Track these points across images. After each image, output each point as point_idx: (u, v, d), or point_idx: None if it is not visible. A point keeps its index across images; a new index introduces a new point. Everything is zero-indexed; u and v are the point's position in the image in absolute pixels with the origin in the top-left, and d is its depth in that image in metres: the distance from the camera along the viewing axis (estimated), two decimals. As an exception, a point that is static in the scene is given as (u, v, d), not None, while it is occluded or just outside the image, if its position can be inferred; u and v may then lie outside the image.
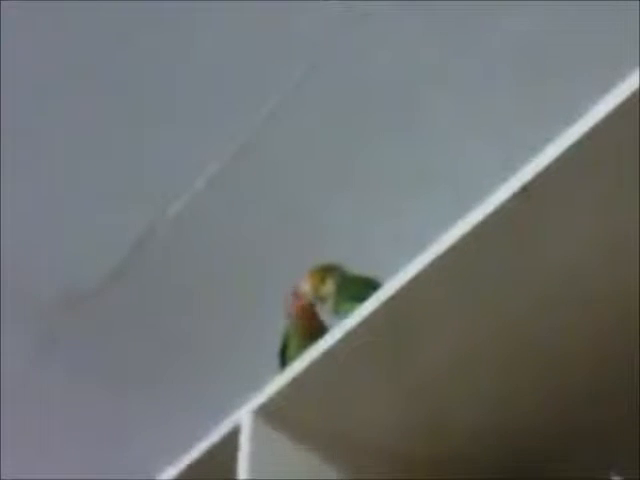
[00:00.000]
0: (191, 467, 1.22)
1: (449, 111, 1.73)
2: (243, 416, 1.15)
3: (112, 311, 2.04)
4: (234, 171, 1.81)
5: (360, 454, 1.18)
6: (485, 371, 1.09)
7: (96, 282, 1.98)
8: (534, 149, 0.88)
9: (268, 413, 1.14)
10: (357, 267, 1.32)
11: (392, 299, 1.02)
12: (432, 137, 1.76)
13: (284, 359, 1.33)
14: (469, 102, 1.72)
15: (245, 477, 1.10)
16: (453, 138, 1.75)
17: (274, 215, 1.88)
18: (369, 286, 1.20)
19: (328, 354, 1.08)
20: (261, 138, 1.76)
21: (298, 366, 1.10)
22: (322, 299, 1.27)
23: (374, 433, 1.17)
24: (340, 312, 1.23)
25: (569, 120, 0.89)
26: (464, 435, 1.17)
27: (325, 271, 1.29)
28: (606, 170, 0.89)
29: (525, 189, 0.91)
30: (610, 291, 1.00)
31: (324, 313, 1.31)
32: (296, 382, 1.11)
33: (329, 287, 1.27)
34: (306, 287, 1.28)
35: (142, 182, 1.83)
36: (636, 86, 0.84)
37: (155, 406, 2.18)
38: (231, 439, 1.17)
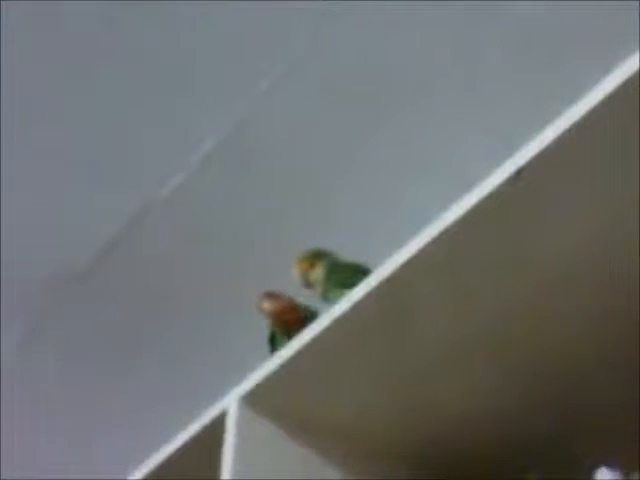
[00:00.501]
0: (176, 452, 1.21)
1: (448, 98, 1.71)
2: (230, 402, 1.15)
3: (101, 293, 2.02)
4: (229, 151, 1.79)
5: (347, 442, 1.18)
6: (477, 358, 1.09)
7: (86, 263, 1.96)
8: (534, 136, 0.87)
9: (255, 400, 1.13)
10: (353, 252, 1.31)
11: (382, 285, 1.01)
12: (431, 123, 1.73)
13: (274, 345, 1.32)
14: (468, 90, 1.71)
15: (230, 463, 1.09)
16: (453, 124, 1.73)
17: (269, 197, 1.86)
18: (359, 272, 1.18)
19: (316, 341, 1.07)
20: (257, 118, 1.74)
21: (286, 353, 1.10)
22: (311, 285, 1.26)
23: (362, 421, 1.16)
24: (329, 298, 1.21)
25: (567, 108, 0.88)
26: (454, 423, 1.17)
27: (314, 257, 1.27)
28: (604, 155, 0.88)
29: (519, 173, 0.89)
30: (607, 278, 0.99)
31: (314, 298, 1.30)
32: (284, 369, 1.10)
33: (318, 273, 1.25)
34: (295, 273, 1.27)
35: (136, 161, 1.81)
36: (635, 68, 0.83)
37: (142, 389, 2.16)
38: (217, 425, 1.16)
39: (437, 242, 0.96)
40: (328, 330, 1.06)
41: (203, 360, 2.07)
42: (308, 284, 1.26)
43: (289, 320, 1.27)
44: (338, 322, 1.05)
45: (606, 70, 1.47)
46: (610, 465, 1.02)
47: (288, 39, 1.65)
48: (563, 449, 1.18)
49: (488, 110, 1.72)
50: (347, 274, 1.21)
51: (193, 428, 1.20)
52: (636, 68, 0.83)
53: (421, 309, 1.03)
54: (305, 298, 1.31)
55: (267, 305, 1.29)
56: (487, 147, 1.70)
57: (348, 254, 1.32)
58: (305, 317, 1.26)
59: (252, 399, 1.13)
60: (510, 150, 0.94)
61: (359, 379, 1.11)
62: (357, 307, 1.03)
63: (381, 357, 1.09)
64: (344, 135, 1.78)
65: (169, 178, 1.84)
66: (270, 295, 1.30)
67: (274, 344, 1.30)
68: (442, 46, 1.65)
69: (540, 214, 0.93)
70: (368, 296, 1.02)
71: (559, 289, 1.01)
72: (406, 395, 1.13)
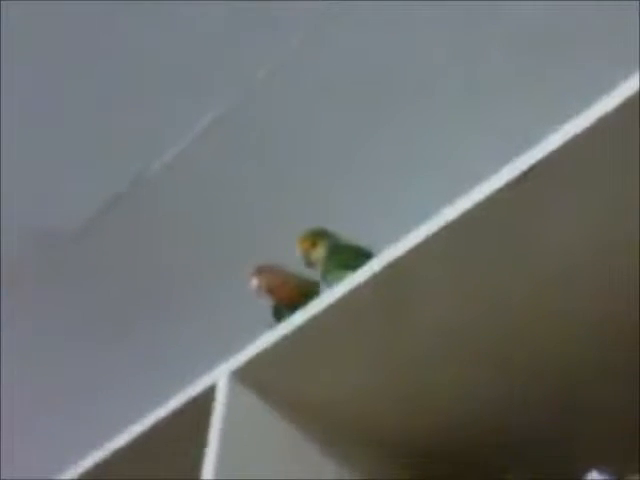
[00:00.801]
0: (162, 421, 1.20)
1: (447, 95, 1.71)
2: (220, 375, 1.13)
3: (92, 257, 2.00)
4: (229, 127, 1.77)
5: (333, 424, 1.17)
6: (473, 350, 1.08)
7: (78, 226, 1.94)
8: (534, 136, 0.86)
9: (245, 375, 1.12)
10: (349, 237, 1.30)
11: (384, 271, 1.00)
12: (431, 121, 1.73)
13: (279, 317, 1.29)
14: (468, 89, 1.70)
15: (217, 437, 1.08)
16: (452, 122, 1.73)
17: (266, 174, 1.85)
18: (361, 255, 1.17)
19: (312, 322, 1.05)
20: (257, 101, 1.73)
21: (281, 331, 1.08)
22: (312, 264, 1.24)
23: (350, 405, 1.15)
24: (329, 279, 1.20)
25: (568, 109, 0.87)
26: (444, 413, 1.16)
27: (316, 236, 1.26)
28: (608, 159, 0.88)
29: (526, 173, 0.89)
30: (608, 281, 0.99)
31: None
32: (277, 347, 1.09)
33: (320, 252, 1.24)
34: (297, 251, 1.25)
35: (137, 129, 1.80)
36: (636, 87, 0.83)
37: (132, 356, 2.15)
38: (206, 397, 1.15)
39: (442, 233, 0.95)
40: (325, 312, 1.05)
41: (195, 330, 2.06)
42: (309, 263, 1.25)
43: (281, 296, 1.25)
44: (336, 304, 1.04)
45: (605, 70, 1.46)
46: (604, 467, 1.02)
47: (289, 35, 1.64)
48: (555, 447, 1.17)
49: (487, 109, 1.72)
50: (349, 256, 1.20)
51: (181, 399, 1.18)
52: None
53: (420, 297, 1.02)
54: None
55: (256, 281, 1.26)
56: (486, 145, 1.70)
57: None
58: (303, 291, 1.25)
59: (243, 374, 1.11)
60: (509, 148, 0.93)
61: (351, 363, 1.10)
62: (357, 290, 1.02)
63: (375, 343, 1.08)
64: (344, 128, 1.77)
65: (167, 148, 1.82)
66: (261, 270, 1.28)
67: (279, 316, 1.27)
68: (442, 46, 1.66)
69: (544, 213, 0.93)
70: (369, 280, 1.01)
71: (559, 288, 1.00)
72: (397, 382, 1.12)
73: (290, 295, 1.24)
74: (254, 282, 1.26)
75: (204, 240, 1.95)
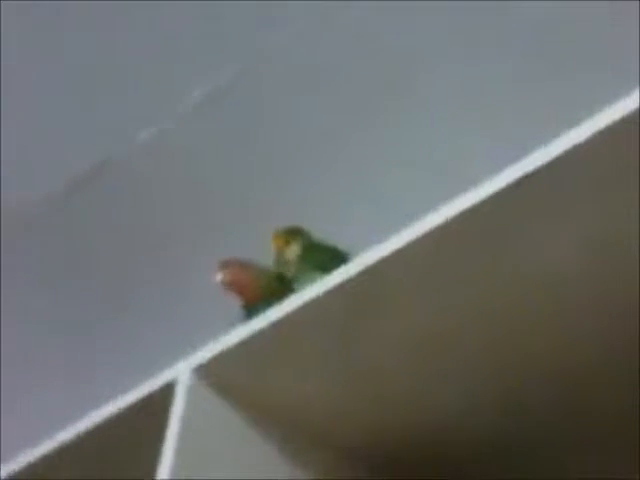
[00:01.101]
0: (113, 419, 1.16)
1: (444, 95, 1.68)
2: (181, 371, 1.10)
3: (47, 242, 1.94)
4: (218, 106, 1.74)
5: (295, 428, 1.14)
6: (444, 359, 1.05)
7: (59, 195, 1.89)
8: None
9: (208, 373, 1.08)
10: (324, 230, 1.26)
11: (359, 276, 0.97)
12: (425, 119, 1.71)
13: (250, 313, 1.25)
14: (465, 88, 1.67)
15: (175, 435, 1.04)
16: (447, 124, 1.70)
17: (243, 165, 1.81)
18: (336, 257, 1.15)
19: (279, 323, 1.02)
20: (251, 76, 1.69)
21: (247, 330, 1.05)
22: (285, 262, 1.21)
23: (313, 408, 1.12)
24: (301, 280, 1.17)
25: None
26: (408, 419, 1.13)
27: (290, 234, 1.22)
28: (603, 174, 0.85)
29: (517, 184, 0.87)
30: (595, 296, 0.97)
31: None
32: (242, 346, 1.05)
33: (294, 250, 1.20)
34: (272, 248, 1.21)
35: (124, 101, 1.75)
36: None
37: (83, 351, 2.09)
38: (165, 392, 1.11)
39: (423, 240, 0.92)
40: (295, 313, 1.01)
41: (157, 323, 2.01)
42: (282, 261, 1.21)
43: (247, 293, 1.21)
44: (307, 306, 1.00)
45: (603, 73, 1.44)
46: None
47: (282, 23, 1.60)
48: (528, 447, 1.15)
49: (482, 110, 1.70)
50: (323, 257, 1.17)
51: (137, 394, 1.14)
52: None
53: (393, 306, 0.99)
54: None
55: (220, 275, 1.22)
56: (476, 147, 1.68)
57: (320, 231, 1.27)
58: (270, 288, 1.21)
59: (205, 371, 1.08)
60: (500, 150, 0.91)
61: (316, 367, 1.07)
62: (327, 295, 0.99)
63: (341, 348, 1.04)
64: (335, 120, 1.74)
65: (154, 123, 1.78)
66: (227, 264, 1.24)
67: (250, 313, 1.23)
68: (436, 42, 1.63)
69: (531, 225, 0.90)
70: (341, 285, 0.98)
71: (541, 303, 0.98)
72: (360, 390, 1.09)
73: (255, 293, 1.20)
74: (218, 276, 1.22)
75: (173, 229, 1.90)
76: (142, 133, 1.79)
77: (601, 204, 0.88)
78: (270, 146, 1.79)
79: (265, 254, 1.23)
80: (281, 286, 1.21)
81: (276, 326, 1.03)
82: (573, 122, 0.86)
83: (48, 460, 1.20)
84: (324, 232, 1.25)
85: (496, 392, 1.08)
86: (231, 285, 1.22)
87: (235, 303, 1.24)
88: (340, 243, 1.23)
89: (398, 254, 0.94)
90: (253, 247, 1.22)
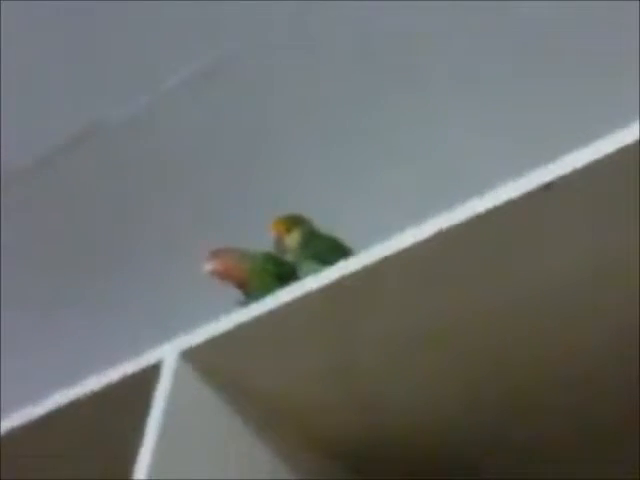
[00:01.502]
0: (99, 393, 1.13)
1: (438, 84, 1.65)
2: (167, 353, 1.07)
3: (29, 205, 1.90)
4: (202, 86, 1.69)
5: (277, 416, 1.12)
6: (431, 362, 1.04)
7: (29, 164, 1.84)
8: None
9: (195, 357, 1.06)
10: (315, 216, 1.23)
11: (359, 273, 0.95)
12: (429, 114, 1.67)
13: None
14: (468, 85, 1.64)
15: (159, 415, 1.03)
16: (450, 119, 1.67)
17: (239, 147, 1.77)
18: (336, 248, 1.12)
19: (271, 314, 1.00)
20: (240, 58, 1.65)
21: (236, 317, 1.03)
22: (284, 250, 1.18)
23: (297, 398, 1.10)
24: (299, 269, 1.14)
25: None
26: (388, 420, 1.12)
27: (292, 222, 1.19)
28: (606, 193, 0.86)
29: (518, 201, 0.87)
30: (592, 312, 0.97)
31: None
32: (232, 333, 1.03)
33: (294, 239, 1.17)
34: (271, 234, 1.18)
35: (114, 69, 1.71)
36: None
37: (69, 325, 2.05)
38: (151, 374, 1.08)
39: (425, 244, 0.91)
40: (290, 304, 0.99)
41: (142, 304, 1.97)
42: (281, 249, 1.18)
43: (237, 281, 1.19)
44: (303, 298, 0.98)
45: (601, 72, 1.41)
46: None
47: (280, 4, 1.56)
48: (504, 450, 1.14)
49: (488, 107, 1.66)
50: (324, 248, 1.14)
51: (122, 371, 1.11)
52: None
53: (388, 304, 0.98)
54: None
55: (209, 265, 1.20)
56: (480, 144, 1.65)
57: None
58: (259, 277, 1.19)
59: (192, 355, 1.06)
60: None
61: (307, 359, 1.05)
62: (327, 288, 0.97)
63: (331, 342, 1.03)
64: (333, 106, 1.70)
65: (134, 98, 1.74)
66: (216, 254, 1.21)
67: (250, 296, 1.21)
68: (438, 33, 1.60)
69: (533, 237, 0.90)
70: (341, 280, 0.96)
71: (538, 308, 0.97)
72: (344, 384, 1.08)
73: (248, 279, 1.18)
74: (208, 266, 1.20)
75: (166, 209, 1.86)
76: (129, 106, 1.75)
77: (604, 219, 0.88)
78: (265, 131, 1.75)
79: (259, 240, 1.20)
80: (275, 268, 1.18)
81: (267, 316, 1.01)
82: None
83: (26, 432, 1.18)
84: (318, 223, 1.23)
85: (490, 394, 1.07)
86: (222, 274, 1.20)
87: (230, 288, 1.21)
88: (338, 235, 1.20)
89: (399, 255, 0.93)
90: (248, 231, 1.20)
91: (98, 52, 1.70)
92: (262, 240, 1.21)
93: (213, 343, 1.04)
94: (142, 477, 0.97)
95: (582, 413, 1.08)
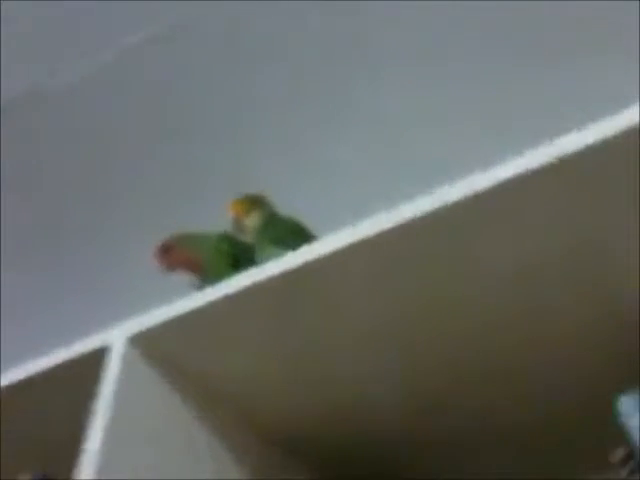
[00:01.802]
0: (46, 372, 1.09)
1: (410, 69, 1.61)
2: (115, 338, 1.03)
3: None
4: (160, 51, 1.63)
5: (228, 408, 1.10)
6: (388, 351, 1.02)
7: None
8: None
9: (142, 342, 1.02)
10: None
11: (318, 261, 0.92)
12: (398, 102, 1.62)
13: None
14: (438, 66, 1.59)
15: (106, 398, 0.99)
16: (417, 108, 1.62)
17: (197, 124, 1.70)
18: (296, 232, 1.07)
19: (220, 302, 0.96)
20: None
21: (184, 304, 0.99)
22: (243, 231, 1.12)
23: (245, 390, 1.08)
24: (257, 252, 1.09)
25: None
26: (342, 410, 1.10)
27: (252, 202, 1.14)
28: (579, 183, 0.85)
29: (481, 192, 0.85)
30: (563, 299, 0.95)
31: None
32: (182, 319, 0.99)
33: (253, 221, 1.12)
34: (229, 214, 1.13)
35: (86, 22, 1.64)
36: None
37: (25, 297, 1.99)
38: (98, 357, 1.04)
39: (386, 234, 0.88)
40: (242, 292, 0.95)
41: (94, 286, 1.91)
42: (240, 229, 1.13)
43: (191, 270, 1.15)
44: (256, 285, 0.94)
45: (598, 70, 1.37)
46: None
47: None
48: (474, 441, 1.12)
49: (488, 101, 1.61)
50: (284, 231, 1.09)
51: (69, 353, 1.07)
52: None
53: (345, 293, 0.95)
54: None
55: (161, 262, 1.17)
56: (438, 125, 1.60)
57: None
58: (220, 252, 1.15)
59: (139, 341, 1.02)
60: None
61: (257, 348, 1.02)
62: (283, 275, 0.93)
63: (288, 331, 1.00)
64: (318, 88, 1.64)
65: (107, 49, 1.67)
66: (165, 249, 1.17)
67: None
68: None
69: (495, 231, 0.89)
70: (300, 267, 0.92)
71: (496, 301, 0.95)
72: (291, 373, 1.05)
73: (203, 265, 1.13)
74: (161, 263, 1.17)
75: (119, 189, 1.80)
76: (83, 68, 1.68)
77: (578, 209, 0.87)
78: (227, 107, 1.68)
79: (214, 221, 1.15)
80: (231, 248, 1.14)
81: (215, 304, 0.97)
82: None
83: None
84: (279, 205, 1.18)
85: (440, 388, 1.06)
86: (175, 268, 1.16)
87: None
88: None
89: (359, 244, 0.89)
90: (201, 212, 1.14)
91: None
92: (222, 221, 1.16)
93: (162, 329, 1.00)
94: (90, 459, 0.94)
95: (543, 404, 1.07)
